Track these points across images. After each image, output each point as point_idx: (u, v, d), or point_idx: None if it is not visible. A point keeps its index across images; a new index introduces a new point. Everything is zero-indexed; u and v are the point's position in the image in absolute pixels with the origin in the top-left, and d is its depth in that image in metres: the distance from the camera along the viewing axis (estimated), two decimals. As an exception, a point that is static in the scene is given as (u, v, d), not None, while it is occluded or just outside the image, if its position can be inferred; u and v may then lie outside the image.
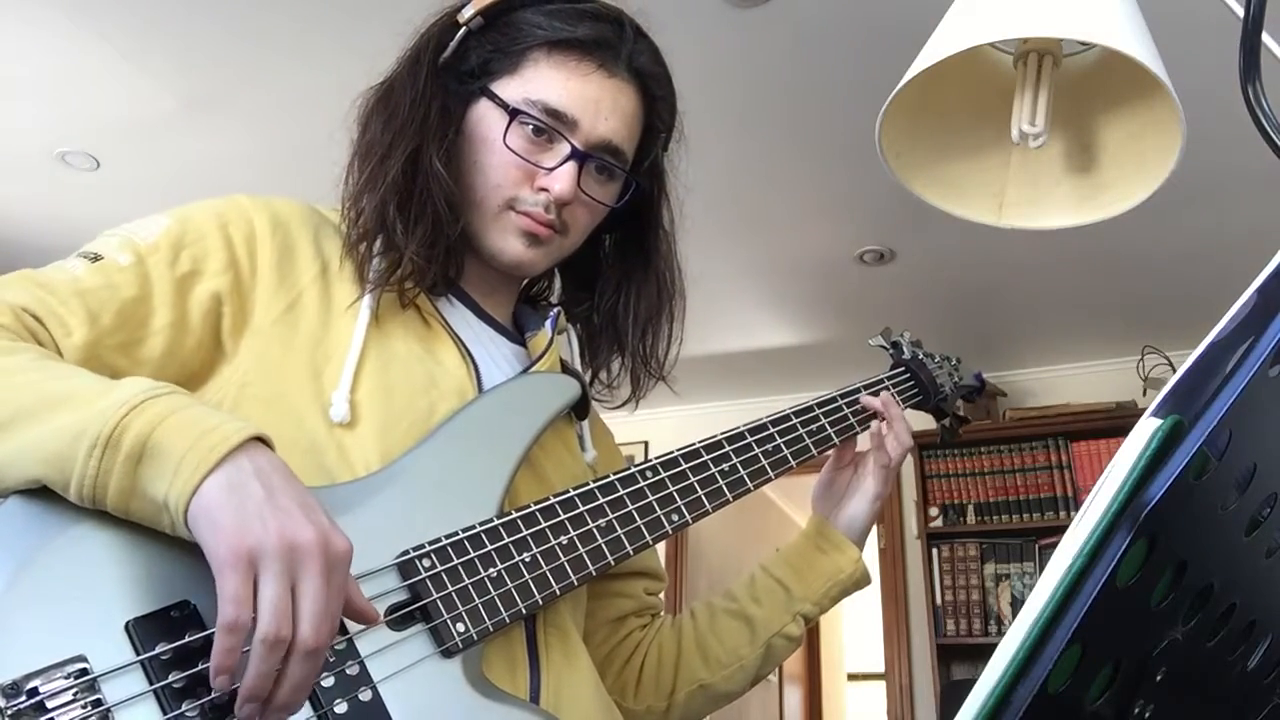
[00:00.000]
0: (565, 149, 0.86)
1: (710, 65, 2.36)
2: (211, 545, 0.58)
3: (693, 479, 0.89)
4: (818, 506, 1.07)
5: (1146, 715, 0.36)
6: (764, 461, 0.95)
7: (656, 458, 0.89)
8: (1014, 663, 0.32)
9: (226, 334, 0.79)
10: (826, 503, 1.06)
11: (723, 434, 0.94)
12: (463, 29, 0.88)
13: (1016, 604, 3.46)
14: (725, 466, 0.92)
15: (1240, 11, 0.66)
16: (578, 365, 0.98)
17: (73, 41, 2.38)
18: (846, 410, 1.06)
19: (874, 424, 1.07)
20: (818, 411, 1.03)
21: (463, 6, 0.89)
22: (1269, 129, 0.62)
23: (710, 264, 3.32)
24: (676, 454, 0.90)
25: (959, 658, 3.56)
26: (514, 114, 0.85)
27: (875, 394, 1.09)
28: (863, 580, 1.04)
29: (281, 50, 2.40)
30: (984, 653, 3.39)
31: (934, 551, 3.64)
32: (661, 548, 4.19)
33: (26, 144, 2.82)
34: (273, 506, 0.59)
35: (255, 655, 0.57)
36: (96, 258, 0.75)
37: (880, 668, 4.00)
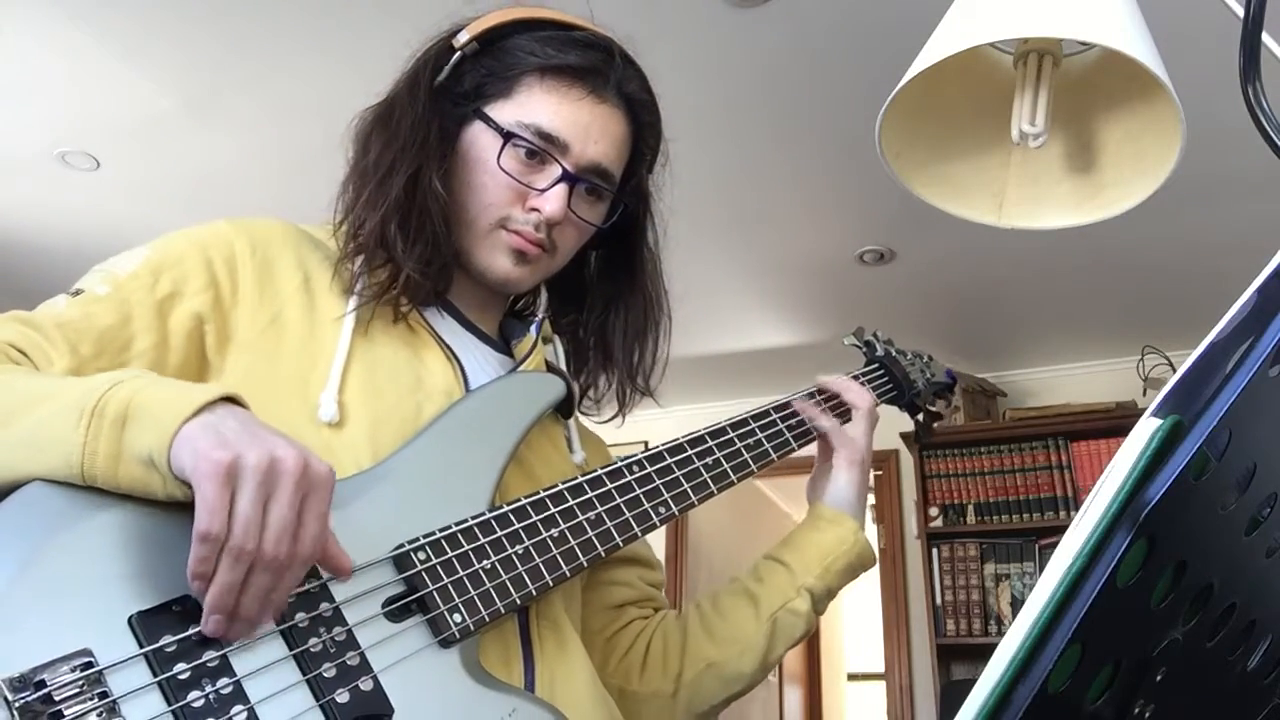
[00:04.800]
0: (556, 171, 0.88)
1: (710, 65, 2.36)
2: (192, 465, 0.60)
3: (678, 472, 0.92)
4: (810, 496, 1.08)
5: (1146, 715, 0.36)
6: (746, 455, 0.98)
7: (642, 453, 0.92)
8: (1014, 663, 0.32)
9: (212, 351, 0.81)
10: (816, 489, 1.08)
11: (705, 429, 0.97)
12: (458, 53, 0.90)
13: (1016, 604, 3.46)
14: (709, 460, 0.95)
15: (1240, 11, 0.66)
16: (563, 367, 0.99)
17: (73, 42, 2.38)
18: (824, 404, 1.08)
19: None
20: (795, 406, 1.06)
21: (458, 31, 0.91)
22: (1269, 129, 0.62)
23: (710, 265, 3.32)
24: (661, 449, 0.93)
25: (959, 658, 3.55)
26: (508, 136, 0.88)
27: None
28: (865, 553, 1.03)
29: (281, 52, 2.40)
30: (984, 653, 3.39)
31: (934, 551, 3.64)
32: (661, 545, 4.18)
33: (26, 144, 2.82)
34: (252, 434, 0.62)
35: (221, 565, 0.60)
36: (78, 292, 0.79)
37: (880, 668, 4.01)
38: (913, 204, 1.05)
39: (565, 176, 0.88)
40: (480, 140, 0.89)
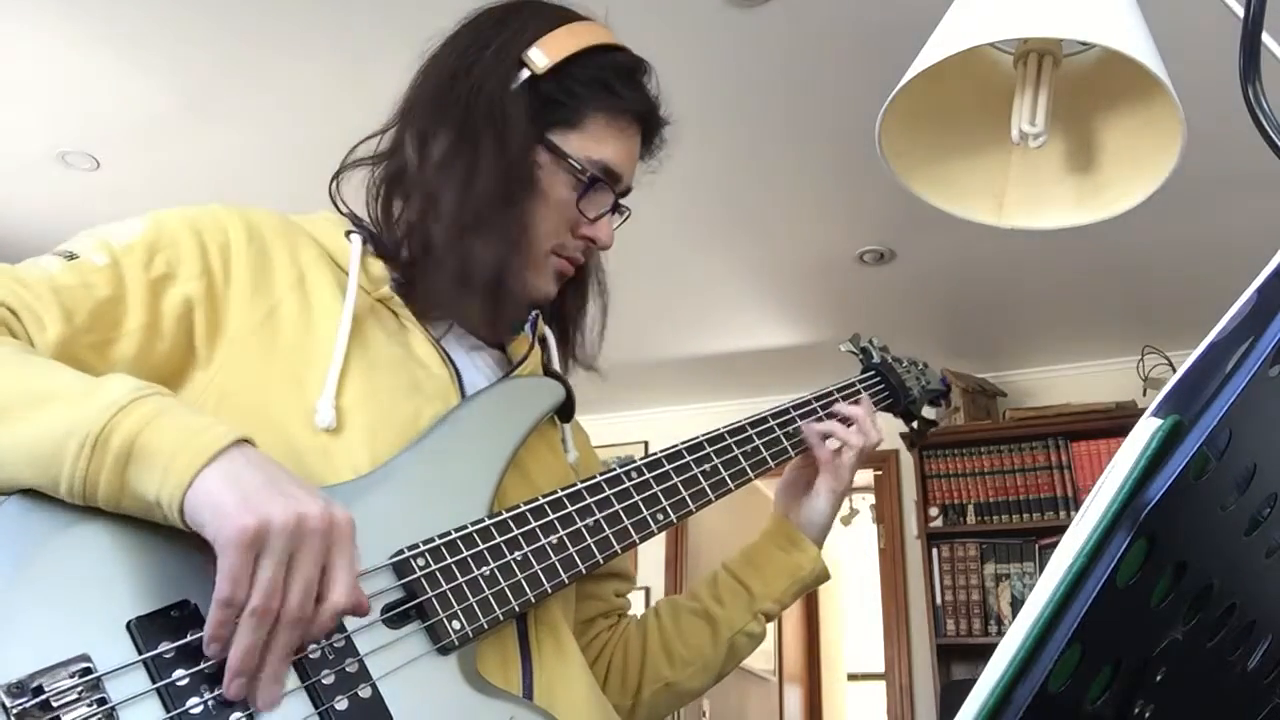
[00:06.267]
0: (609, 200, 0.91)
1: (710, 65, 2.36)
2: (215, 527, 0.59)
3: (676, 479, 0.92)
4: (779, 503, 1.10)
5: (1146, 715, 0.36)
6: (744, 463, 0.99)
7: (641, 459, 0.92)
8: (1014, 663, 0.32)
9: (200, 340, 0.79)
10: (787, 500, 1.09)
11: (703, 435, 0.98)
12: (527, 72, 0.88)
13: (1016, 604, 3.46)
14: (707, 467, 0.95)
15: (1240, 11, 0.66)
16: (557, 367, 1.00)
17: (73, 42, 2.38)
18: (822, 414, 1.09)
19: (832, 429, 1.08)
20: (794, 414, 1.07)
21: (520, 45, 0.89)
22: (1269, 129, 0.62)
23: (710, 264, 3.32)
24: (660, 455, 0.93)
25: (959, 658, 3.55)
26: (592, 181, 0.89)
27: (840, 402, 1.12)
28: (822, 576, 1.07)
29: (281, 51, 2.40)
30: (984, 653, 3.39)
31: (934, 551, 3.64)
32: (661, 546, 4.18)
33: (26, 144, 2.82)
34: (276, 488, 0.61)
35: (243, 627, 0.59)
36: (72, 256, 0.75)
37: (880, 668, 4.01)
38: (913, 204, 1.05)
39: (615, 207, 0.92)
40: (546, 171, 0.88)
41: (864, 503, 5.51)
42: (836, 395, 1.13)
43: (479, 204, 0.84)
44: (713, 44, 2.29)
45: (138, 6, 2.26)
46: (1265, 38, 0.69)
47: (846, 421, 1.09)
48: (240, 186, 2.95)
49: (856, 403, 1.11)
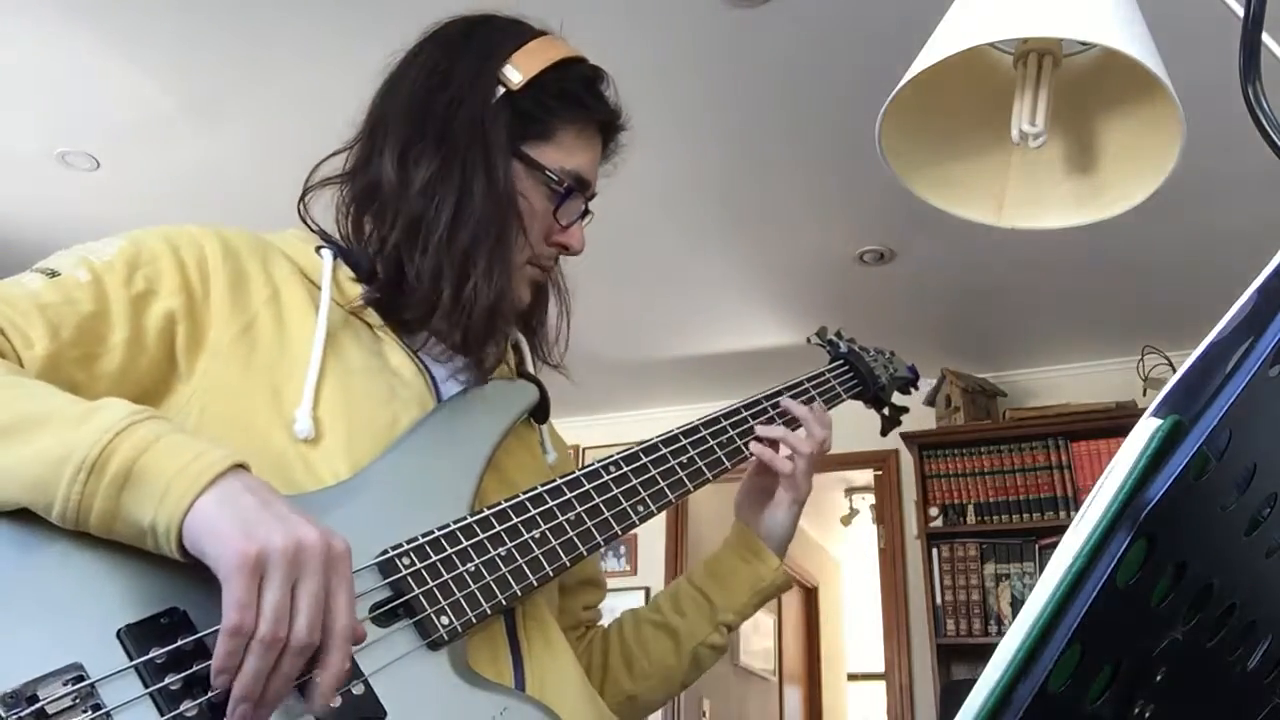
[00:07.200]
0: (579, 208, 0.93)
1: (709, 65, 2.36)
2: (216, 553, 0.59)
3: (654, 471, 0.95)
4: (740, 512, 1.10)
5: (1146, 715, 0.36)
6: (720, 453, 1.01)
7: (618, 454, 0.94)
8: (1014, 663, 0.32)
9: (181, 353, 0.79)
10: (748, 509, 1.09)
11: (679, 429, 1.00)
12: (502, 88, 0.89)
13: (1016, 604, 3.46)
14: (684, 459, 0.98)
15: (1240, 11, 0.66)
16: (530, 369, 1.01)
17: (73, 42, 2.38)
18: (781, 408, 1.10)
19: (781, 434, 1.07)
20: (765, 405, 1.09)
21: (496, 61, 0.90)
22: (1269, 129, 0.62)
23: (710, 265, 3.32)
24: (637, 449, 0.95)
25: (959, 658, 3.56)
26: (568, 191, 0.91)
27: (783, 409, 1.10)
28: (783, 586, 1.07)
29: (282, 51, 2.40)
30: (984, 653, 3.39)
31: (934, 551, 3.64)
32: (661, 541, 4.18)
33: (26, 144, 2.82)
34: (272, 513, 0.61)
35: (252, 655, 0.58)
36: (54, 274, 0.76)
37: (880, 668, 4.01)
38: (913, 204, 1.05)
39: (585, 211, 0.94)
40: (522, 183, 0.90)
41: (864, 503, 5.51)
42: (806, 384, 1.15)
43: (476, 234, 0.85)
44: (713, 44, 2.29)
45: (138, 6, 2.26)
46: (1265, 38, 0.69)
47: (794, 424, 1.08)
48: (240, 186, 2.95)
49: (807, 402, 1.11)
